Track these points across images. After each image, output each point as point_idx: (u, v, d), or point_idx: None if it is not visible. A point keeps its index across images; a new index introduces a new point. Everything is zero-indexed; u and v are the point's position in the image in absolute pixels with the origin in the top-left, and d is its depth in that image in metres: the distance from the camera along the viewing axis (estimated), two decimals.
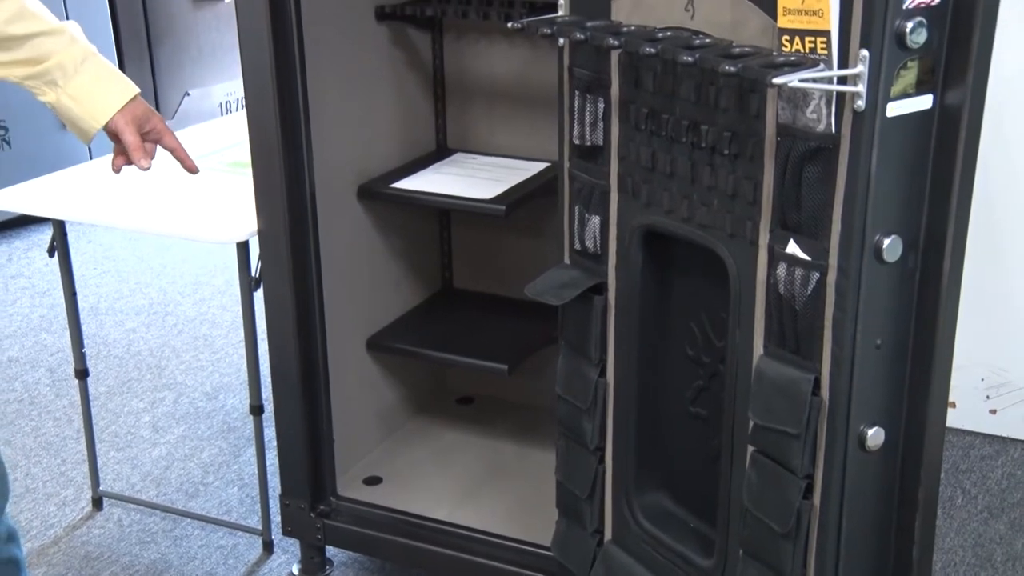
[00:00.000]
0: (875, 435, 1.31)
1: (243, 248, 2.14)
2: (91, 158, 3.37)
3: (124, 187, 2.37)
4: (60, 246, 2.31)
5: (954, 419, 2.72)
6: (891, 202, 1.22)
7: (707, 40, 1.34)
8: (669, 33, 1.39)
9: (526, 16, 2.05)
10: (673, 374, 1.62)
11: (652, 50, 1.35)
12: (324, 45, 2.03)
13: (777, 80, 1.16)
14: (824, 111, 1.20)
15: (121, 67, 3.68)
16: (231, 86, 4.14)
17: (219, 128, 2.86)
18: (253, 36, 1.95)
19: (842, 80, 1.17)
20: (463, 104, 2.40)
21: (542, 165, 2.25)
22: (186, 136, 2.77)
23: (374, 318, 2.31)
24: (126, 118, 1.65)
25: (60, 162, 2.78)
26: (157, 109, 3.87)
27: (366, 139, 2.22)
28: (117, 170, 1.73)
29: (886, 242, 1.23)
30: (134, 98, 1.65)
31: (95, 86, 1.61)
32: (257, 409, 2.27)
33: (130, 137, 1.65)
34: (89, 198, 2.31)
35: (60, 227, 2.30)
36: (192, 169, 1.76)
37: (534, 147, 2.30)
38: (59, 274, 2.38)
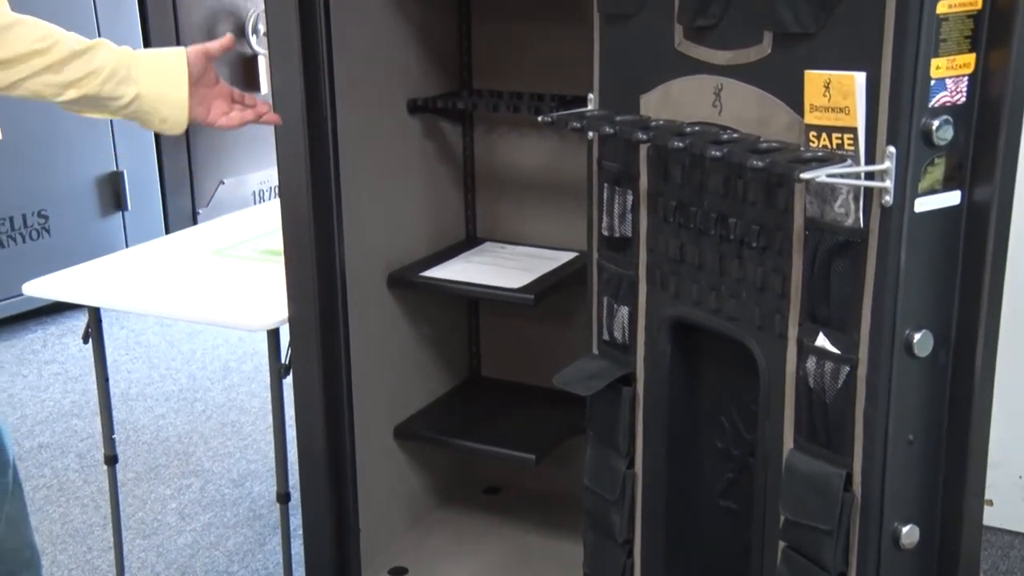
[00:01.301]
0: (909, 533, 1.29)
1: (273, 335, 2.15)
2: (127, 245, 3.43)
3: (158, 274, 2.41)
4: (95, 333, 2.34)
5: (991, 517, 2.66)
6: (921, 297, 1.22)
7: (735, 135, 1.35)
8: (697, 128, 1.41)
9: (556, 109, 2.09)
10: (702, 466, 1.60)
11: (680, 144, 1.37)
12: (357, 136, 2.08)
13: (805, 175, 1.17)
14: (852, 206, 1.21)
15: (159, 154, 3.76)
16: (265, 175, 4.22)
17: (252, 216, 2.91)
18: (288, 126, 2.00)
19: (869, 176, 1.18)
20: (493, 194, 2.43)
21: (571, 255, 2.26)
22: (220, 224, 2.82)
23: (402, 406, 2.31)
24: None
25: (97, 250, 2.84)
26: (192, 197, 3.96)
27: (397, 228, 2.25)
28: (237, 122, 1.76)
29: (917, 337, 1.22)
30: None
31: (157, 64, 1.65)
32: (284, 497, 2.26)
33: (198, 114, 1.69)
34: (124, 285, 2.34)
35: (95, 314, 2.33)
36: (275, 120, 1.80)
37: (563, 237, 2.32)
38: (92, 360, 2.40)
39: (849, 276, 1.23)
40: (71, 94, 1.60)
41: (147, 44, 3.63)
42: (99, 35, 3.38)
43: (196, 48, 1.70)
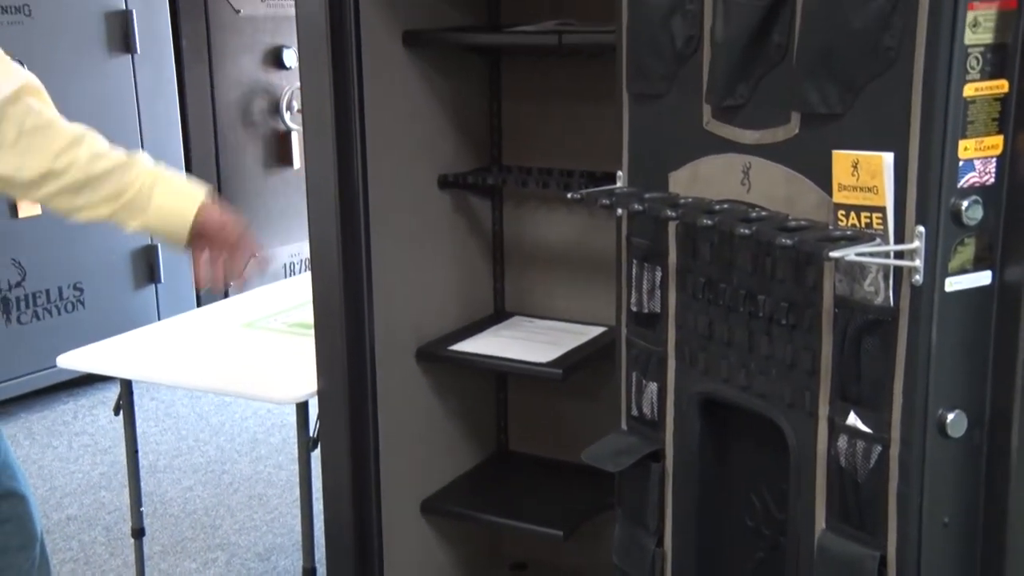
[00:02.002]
0: None
1: (302, 408, 2.16)
2: (159, 318, 3.47)
3: (189, 346, 2.43)
4: (126, 405, 2.36)
5: None
6: (953, 376, 1.21)
7: (763, 213, 1.36)
8: (726, 205, 1.41)
9: (585, 185, 2.11)
10: (733, 545, 1.58)
11: (709, 222, 1.37)
12: (388, 210, 2.10)
13: (834, 254, 1.17)
14: (882, 284, 1.21)
15: None
16: (296, 247, 4.27)
17: (283, 289, 2.94)
18: (321, 201, 2.03)
19: (899, 255, 1.18)
20: (521, 268, 2.45)
21: (599, 329, 2.26)
22: (251, 298, 2.85)
23: (429, 480, 2.30)
24: (199, 239, 1.70)
25: (130, 322, 2.87)
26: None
27: (426, 302, 2.26)
28: (201, 287, 1.77)
29: (950, 417, 1.21)
30: (200, 207, 1.69)
31: (169, 204, 1.68)
32: (310, 572, 2.24)
33: (199, 259, 1.70)
34: (155, 358, 2.36)
35: (127, 386, 2.35)
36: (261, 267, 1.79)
37: (591, 312, 2.32)
38: (122, 432, 2.42)
39: (880, 355, 1.23)
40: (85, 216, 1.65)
41: (184, 120, 3.71)
42: (139, 111, 3.47)
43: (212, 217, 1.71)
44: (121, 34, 3.38)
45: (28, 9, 3.08)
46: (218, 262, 1.71)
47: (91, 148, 1.65)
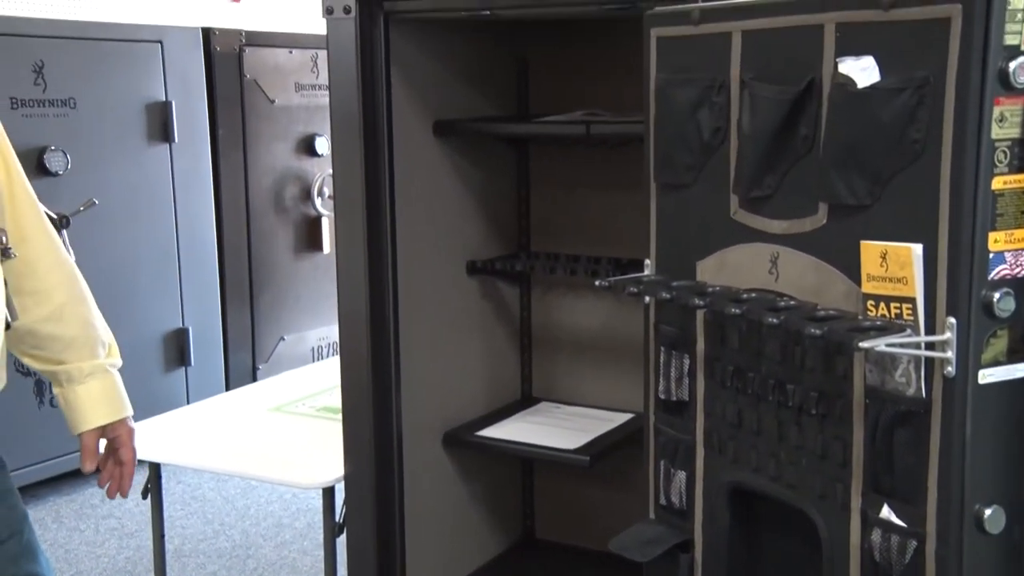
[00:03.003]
0: None
1: (328, 493, 2.14)
2: (188, 401, 3.48)
3: (217, 430, 2.43)
4: (154, 489, 2.35)
5: None
6: (990, 470, 1.18)
7: (792, 302, 1.35)
8: (754, 294, 1.41)
9: (612, 272, 2.12)
10: None
11: (737, 311, 1.37)
12: (417, 296, 2.11)
13: (863, 344, 1.16)
14: (913, 375, 1.19)
15: (223, 313, 3.85)
16: (325, 331, 4.29)
17: (311, 374, 2.94)
18: (351, 285, 2.04)
19: (930, 346, 1.17)
20: (549, 354, 2.44)
21: (627, 416, 2.24)
22: (279, 382, 2.86)
23: (455, 567, 2.26)
24: (98, 434, 1.76)
25: (160, 404, 2.88)
26: (253, 353, 4.02)
27: (453, 387, 2.26)
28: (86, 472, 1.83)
29: (987, 512, 1.18)
30: (121, 420, 1.76)
31: (89, 399, 1.74)
32: None
33: (89, 442, 1.75)
34: (184, 441, 2.36)
35: (156, 470, 2.34)
36: (111, 495, 1.83)
37: (619, 398, 2.30)
38: (149, 515, 2.40)
39: (913, 447, 1.20)
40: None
41: (218, 206, 3.77)
42: (175, 197, 3.53)
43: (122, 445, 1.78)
44: (160, 124, 3.47)
45: (74, 102, 3.17)
46: (116, 472, 1.78)
47: (55, 308, 1.74)
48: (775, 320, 1.29)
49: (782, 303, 1.35)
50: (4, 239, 1.65)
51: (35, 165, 3.01)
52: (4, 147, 1.74)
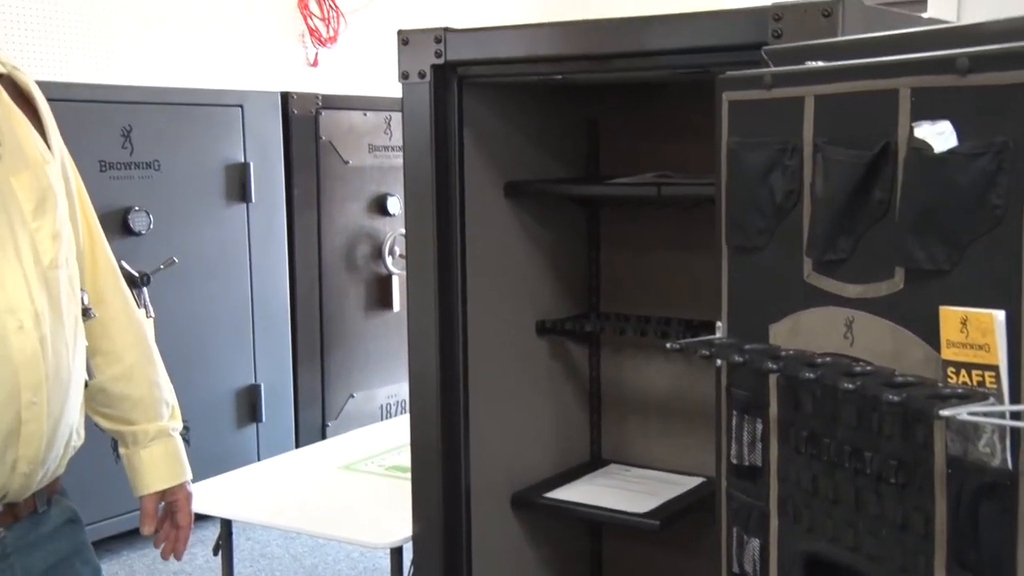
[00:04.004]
0: None
1: (396, 553, 2.14)
2: (259, 457, 3.51)
3: (287, 487, 2.44)
4: (225, 545, 2.37)
5: None
6: None
7: (868, 367, 1.33)
8: (828, 359, 1.39)
9: (682, 333, 2.10)
10: None
11: (812, 375, 1.34)
12: (486, 355, 2.12)
13: (944, 413, 1.13)
14: (998, 446, 1.16)
15: (295, 369, 3.89)
16: (394, 389, 4.31)
17: (380, 432, 2.95)
18: (421, 344, 2.06)
19: (1015, 415, 1.13)
20: (619, 416, 2.42)
21: (698, 480, 2.21)
22: (349, 440, 2.87)
23: None
24: (158, 498, 1.81)
25: (232, 460, 2.92)
26: (322, 411, 4.06)
27: (522, 447, 2.25)
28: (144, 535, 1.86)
29: None
30: (179, 485, 1.81)
31: (151, 463, 1.80)
32: None
33: (148, 506, 1.80)
34: (255, 498, 2.38)
35: (227, 526, 2.37)
36: (165, 556, 1.86)
37: (690, 462, 2.27)
38: (219, 572, 2.42)
39: (999, 521, 1.16)
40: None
41: (292, 264, 3.84)
42: (251, 256, 3.60)
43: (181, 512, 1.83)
44: (239, 184, 3.56)
45: (158, 164, 3.27)
46: (172, 534, 1.81)
47: (125, 368, 1.81)
48: (851, 385, 1.27)
49: (858, 368, 1.33)
50: (85, 300, 1.69)
51: (120, 225, 3.10)
52: (88, 212, 1.79)
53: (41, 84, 1.77)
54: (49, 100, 1.75)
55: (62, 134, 1.75)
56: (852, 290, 1.37)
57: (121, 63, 3.71)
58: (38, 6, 3.50)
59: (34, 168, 1.62)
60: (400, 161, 2.09)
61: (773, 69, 1.49)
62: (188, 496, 1.84)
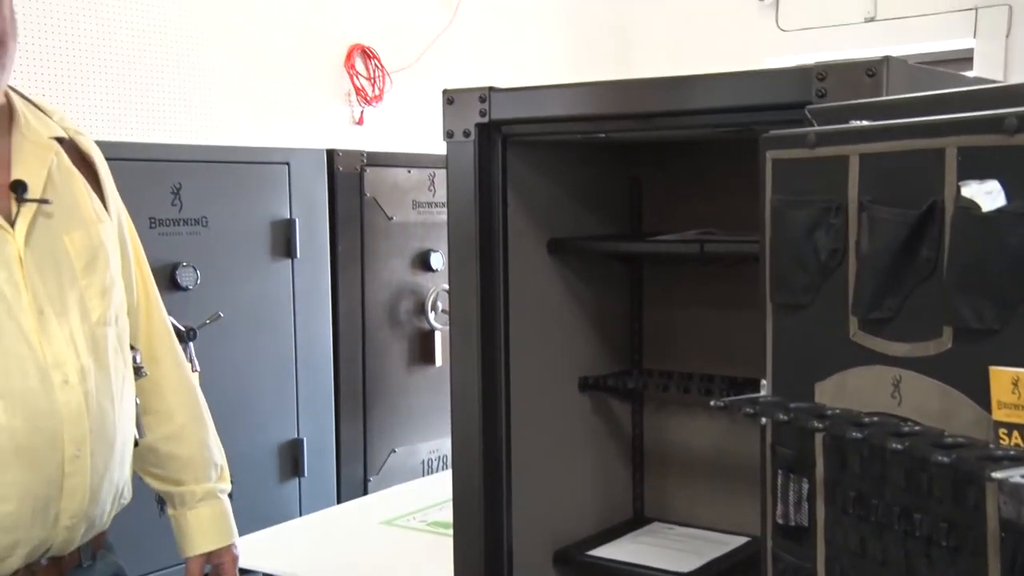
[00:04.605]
0: None
1: None
2: (301, 512, 3.51)
3: (329, 543, 2.44)
4: None
5: None
6: None
7: (916, 428, 1.31)
8: (875, 418, 1.37)
9: (726, 391, 2.09)
10: None
11: (859, 435, 1.33)
12: (529, 411, 2.12)
13: (997, 475, 1.11)
14: None
15: (337, 424, 3.91)
16: (435, 444, 4.30)
17: (422, 487, 2.95)
18: (464, 400, 2.06)
19: None
20: (662, 473, 2.40)
21: (742, 540, 2.18)
22: (391, 495, 2.87)
23: None
24: (203, 559, 1.85)
25: (274, 515, 2.92)
26: (364, 465, 4.05)
27: (564, 504, 2.23)
28: None
29: None
30: (226, 547, 1.84)
31: (198, 525, 1.83)
32: None
33: (194, 568, 1.84)
34: (297, 552, 2.38)
35: None
36: None
37: (734, 521, 2.24)
38: None
39: None
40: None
41: (335, 319, 3.87)
42: (295, 311, 3.63)
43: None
44: (284, 240, 3.61)
45: (206, 220, 3.33)
46: None
47: (176, 428, 1.84)
48: (899, 446, 1.25)
49: (906, 428, 1.31)
50: (137, 359, 1.73)
51: (168, 280, 3.15)
52: (144, 271, 1.84)
53: (97, 143, 1.82)
54: (106, 159, 1.80)
55: (119, 192, 1.79)
56: (899, 349, 1.36)
57: (172, 122, 3.80)
58: (96, 70, 3.60)
59: (88, 227, 1.66)
60: (443, 217, 2.12)
61: (817, 128, 1.50)
62: (234, 559, 1.85)
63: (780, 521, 1.58)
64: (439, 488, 2.71)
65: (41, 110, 1.72)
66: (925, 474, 1.31)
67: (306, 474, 3.81)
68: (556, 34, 5.42)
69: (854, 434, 1.33)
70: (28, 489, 1.53)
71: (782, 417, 1.47)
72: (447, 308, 3.77)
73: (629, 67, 5.60)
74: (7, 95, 1.65)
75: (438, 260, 4.25)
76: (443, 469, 4.15)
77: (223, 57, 4.02)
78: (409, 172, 4.17)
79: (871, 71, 1.62)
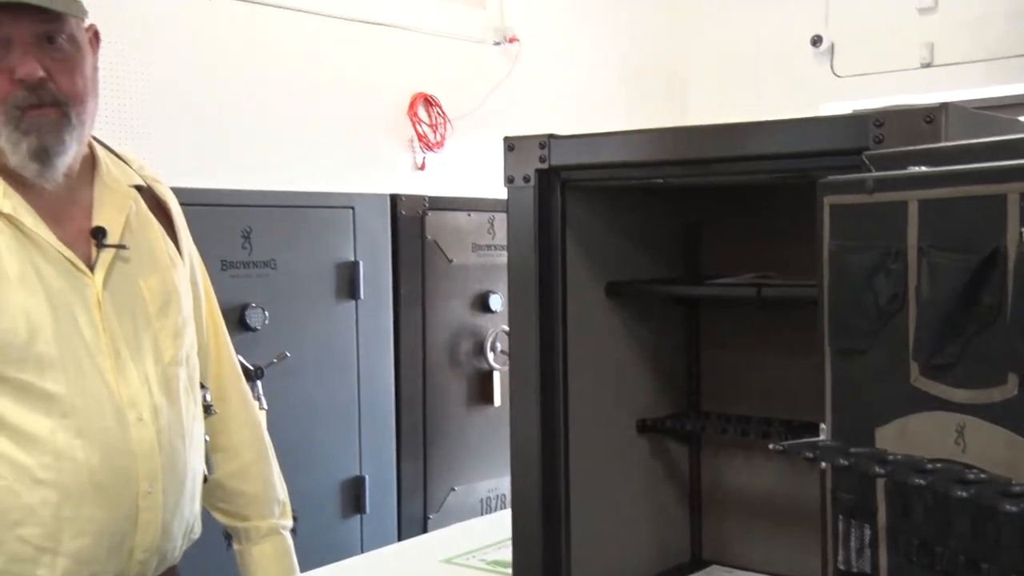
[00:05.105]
0: None
1: None
2: (362, 548, 3.51)
3: None
4: None
5: None
6: None
7: (982, 475, 1.27)
8: (939, 465, 1.33)
9: (784, 434, 2.05)
10: None
11: (922, 481, 1.29)
12: (587, 452, 2.10)
13: None
14: None
15: (398, 463, 3.91)
16: (494, 483, 4.29)
17: (482, 526, 2.93)
18: (523, 440, 2.05)
19: None
20: (720, 516, 2.36)
21: None
22: (451, 533, 2.86)
23: None
24: None
25: (336, 552, 2.92)
26: (424, 503, 4.05)
27: (622, 545, 2.20)
28: None
29: None
30: None
31: (262, 560, 1.85)
32: None
33: None
34: None
35: None
36: None
37: (794, 566, 2.19)
38: None
39: None
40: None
41: (397, 360, 3.88)
42: (358, 351, 3.65)
43: None
44: (348, 282, 3.64)
45: (274, 263, 3.39)
46: None
47: (241, 465, 1.86)
48: (964, 494, 1.22)
49: (971, 476, 1.27)
50: (207, 397, 1.75)
51: (237, 321, 3.19)
52: (215, 313, 1.86)
53: (173, 189, 1.86)
54: (181, 204, 1.84)
55: (192, 236, 1.83)
56: (962, 395, 1.32)
57: (244, 169, 3.87)
58: (173, 122, 3.70)
59: (162, 272, 1.70)
60: (502, 260, 2.12)
61: (875, 174, 1.48)
62: None
63: (842, 567, 1.54)
64: (498, 527, 2.69)
65: (122, 159, 1.76)
66: (992, 523, 1.27)
67: (368, 511, 3.82)
68: (613, 81, 5.44)
69: (917, 480, 1.30)
70: (105, 524, 1.55)
71: (843, 462, 1.44)
72: (506, 349, 3.77)
73: (685, 113, 5.60)
74: (90, 145, 1.70)
75: (497, 302, 4.26)
76: (501, 507, 4.13)
77: (293, 106, 4.10)
78: (469, 216, 4.19)
79: (929, 117, 1.59)
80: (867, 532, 1.49)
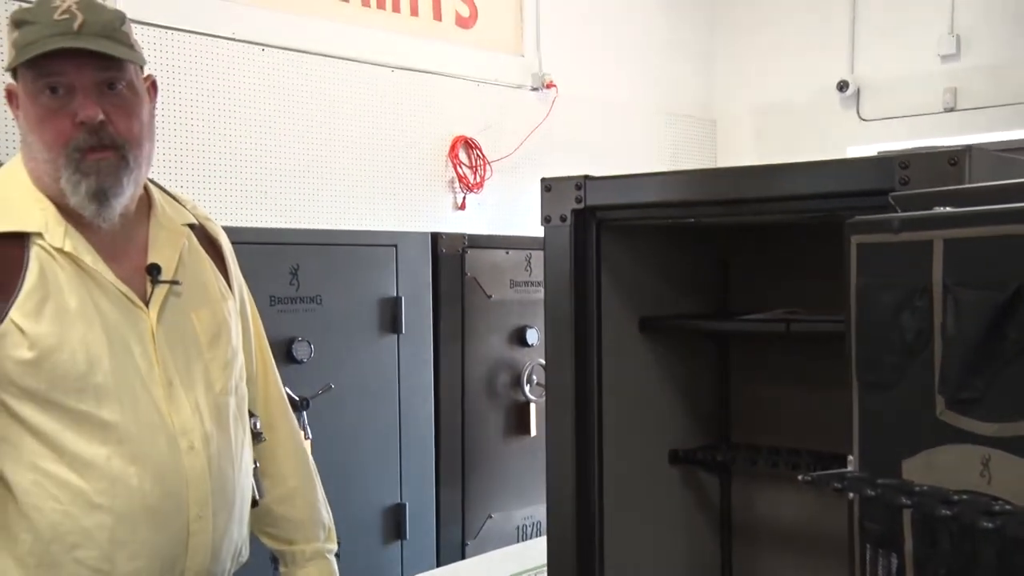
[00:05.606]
0: None
1: None
2: (403, 575, 3.50)
3: None
4: None
5: None
6: None
7: (1008, 507, 1.25)
8: (965, 496, 1.31)
9: (812, 465, 2.03)
10: None
11: (948, 512, 1.28)
12: (620, 482, 2.09)
13: None
14: None
15: (437, 491, 3.90)
16: (530, 511, 4.27)
17: (518, 553, 2.92)
18: (559, 471, 2.04)
19: None
20: (750, 546, 2.33)
21: None
22: (488, 560, 2.85)
23: None
24: None
25: (379, 575, 2.91)
26: (462, 530, 4.04)
27: (654, 573, 2.18)
28: None
29: None
30: None
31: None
32: None
33: None
34: None
35: None
36: None
37: None
38: None
39: None
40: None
41: (437, 392, 3.90)
42: (399, 383, 3.67)
43: None
44: (391, 317, 3.67)
45: (320, 299, 3.42)
46: None
47: (288, 490, 1.86)
48: (990, 525, 1.20)
49: (997, 507, 1.25)
50: (257, 425, 1.77)
51: (284, 354, 3.23)
52: (263, 345, 1.89)
53: (225, 228, 1.89)
54: (232, 242, 1.87)
55: (243, 273, 1.86)
56: (988, 428, 1.30)
57: (292, 209, 3.93)
58: (225, 165, 3.78)
59: (213, 305, 1.73)
60: (538, 296, 2.13)
61: (901, 215, 1.47)
62: None
63: None
64: (534, 554, 2.67)
65: (176, 199, 1.80)
66: (1018, 554, 1.25)
67: (408, 537, 3.82)
68: (647, 125, 5.46)
69: (944, 512, 1.28)
70: (157, 547, 1.56)
71: (870, 493, 1.42)
72: (542, 381, 3.77)
73: (717, 155, 5.60)
74: (146, 187, 1.74)
75: (533, 336, 4.26)
76: (537, 534, 4.10)
77: (342, 150, 4.17)
78: (507, 253, 4.21)
79: (953, 160, 1.59)
80: (894, 562, 1.47)
